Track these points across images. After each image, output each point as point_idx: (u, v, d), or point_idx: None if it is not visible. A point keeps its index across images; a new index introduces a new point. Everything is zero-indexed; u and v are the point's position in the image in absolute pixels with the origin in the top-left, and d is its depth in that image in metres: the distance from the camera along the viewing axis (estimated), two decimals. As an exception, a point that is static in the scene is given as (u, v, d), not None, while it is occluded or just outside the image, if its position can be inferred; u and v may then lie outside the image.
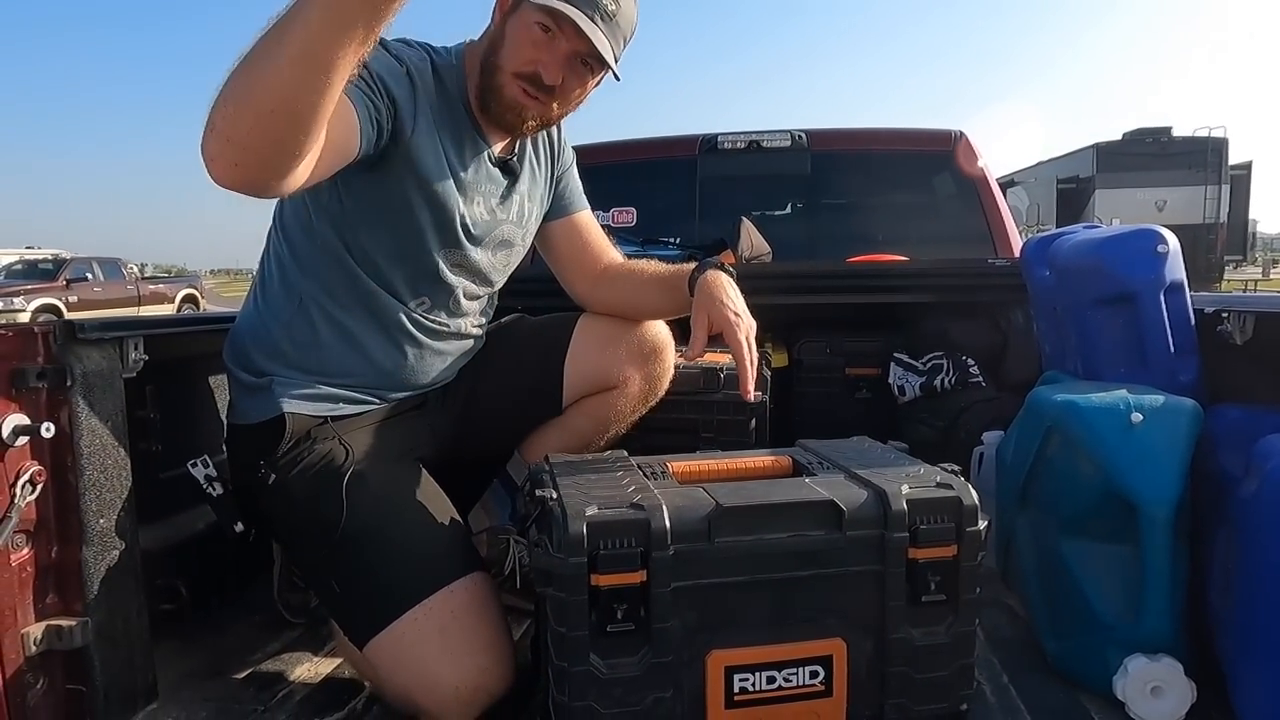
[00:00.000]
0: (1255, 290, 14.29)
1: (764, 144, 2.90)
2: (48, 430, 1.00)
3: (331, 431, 1.20)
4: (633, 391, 1.41)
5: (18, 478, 0.98)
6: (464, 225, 1.23)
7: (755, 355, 1.23)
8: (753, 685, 1.00)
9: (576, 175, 1.46)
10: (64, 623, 1.03)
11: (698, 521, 0.97)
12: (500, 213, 1.30)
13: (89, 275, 14.83)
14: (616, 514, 0.96)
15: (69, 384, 1.03)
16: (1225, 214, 14.29)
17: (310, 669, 1.27)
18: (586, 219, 1.47)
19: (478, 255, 1.28)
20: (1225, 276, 14.85)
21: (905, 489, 1.03)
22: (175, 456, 1.38)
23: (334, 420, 1.21)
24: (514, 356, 1.40)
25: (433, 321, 1.27)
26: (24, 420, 0.99)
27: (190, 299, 16.89)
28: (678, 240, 2.77)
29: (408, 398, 1.30)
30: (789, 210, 3.03)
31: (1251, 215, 16.52)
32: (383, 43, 1.12)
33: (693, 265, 1.32)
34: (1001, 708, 1.10)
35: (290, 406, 1.16)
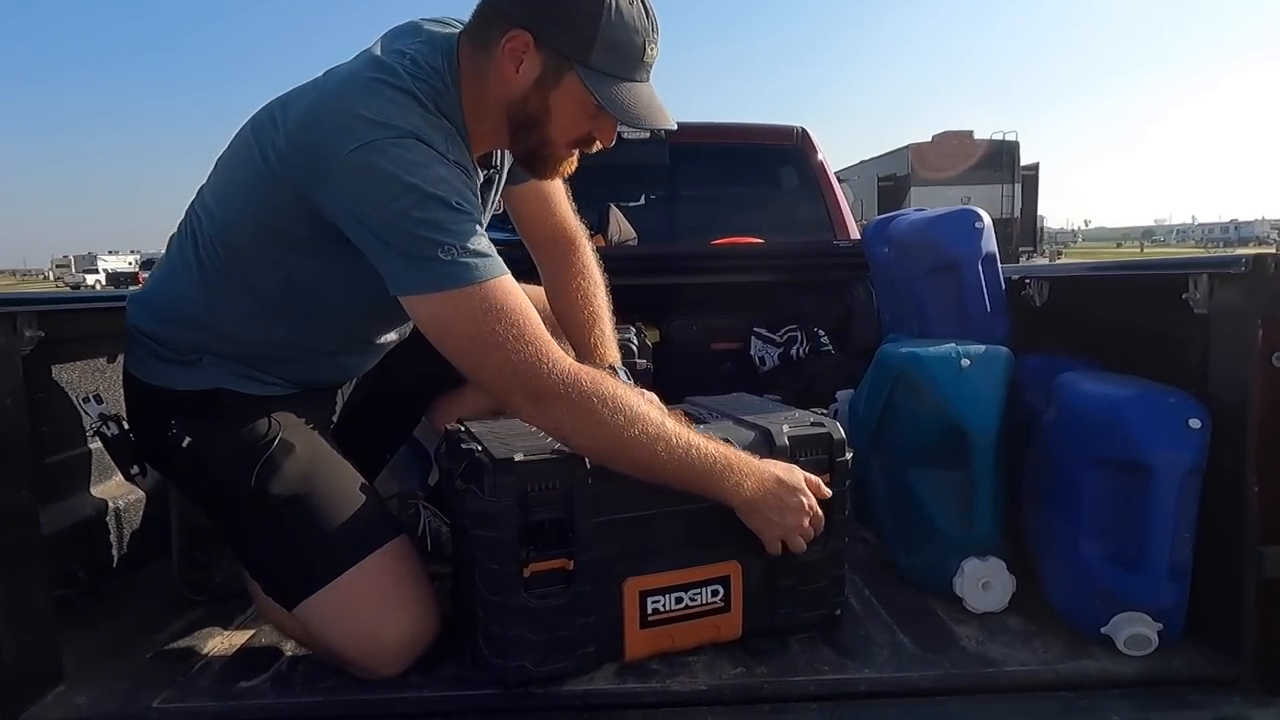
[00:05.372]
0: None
1: (625, 135, 3.04)
2: (-50, 406, 0.98)
3: (253, 403, 1.21)
4: None
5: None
6: None
7: None
8: (664, 606, 1.13)
9: None
10: (-32, 604, 1.01)
11: (613, 462, 1.09)
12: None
13: None
14: (540, 458, 1.07)
15: None
16: (1019, 210, 16.01)
17: (223, 641, 1.27)
18: (540, 188, 1.42)
19: None
20: (1020, 266, 16.57)
21: (786, 428, 1.19)
22: (63, 440, 1.35)
23: (259, 396, 1.22)
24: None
25: (384, 339, 1.32)
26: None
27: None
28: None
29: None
30: (651, 198, 3.19)
31: (1039, 211, 18.57)
32: (421, 139, 1.03)
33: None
34: (866, 612, 1.30)
35: (225, 383, 1.18)
